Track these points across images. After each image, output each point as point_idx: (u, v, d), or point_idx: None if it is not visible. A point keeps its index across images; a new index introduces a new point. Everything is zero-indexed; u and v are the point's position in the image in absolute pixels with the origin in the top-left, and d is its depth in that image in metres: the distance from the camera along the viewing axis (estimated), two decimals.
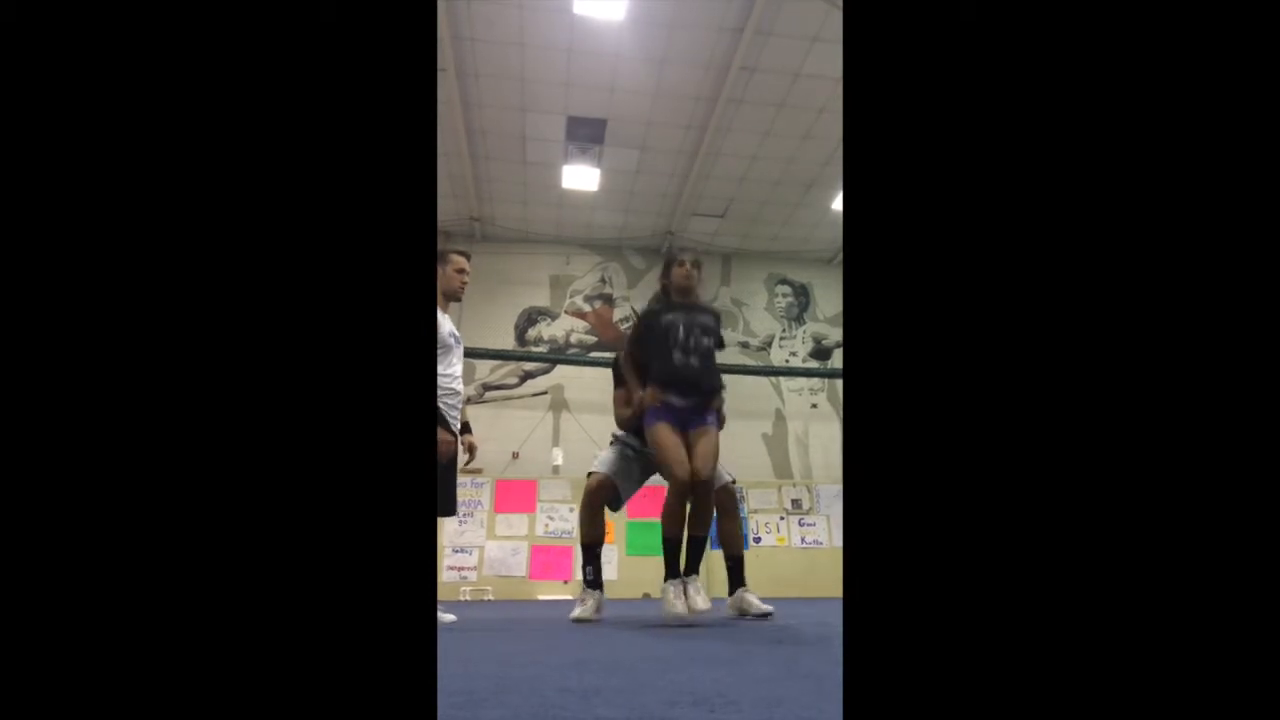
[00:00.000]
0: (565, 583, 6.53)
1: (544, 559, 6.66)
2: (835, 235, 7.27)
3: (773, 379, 7.53)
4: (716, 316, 2.31)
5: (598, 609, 2.38)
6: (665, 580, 2.26)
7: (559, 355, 7.14)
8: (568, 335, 7.35)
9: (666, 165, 6.21)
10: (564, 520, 6.83)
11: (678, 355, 2.12)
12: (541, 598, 6.41)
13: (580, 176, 6.33)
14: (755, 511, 7.06)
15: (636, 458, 2.46)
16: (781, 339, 7.73)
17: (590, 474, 2.46)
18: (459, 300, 2.45)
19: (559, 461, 6.96)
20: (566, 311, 7.41)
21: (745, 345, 7.60)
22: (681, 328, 2.15)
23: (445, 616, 2.40)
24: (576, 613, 2.34)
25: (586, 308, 7.42)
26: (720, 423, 2.22)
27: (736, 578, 2.48)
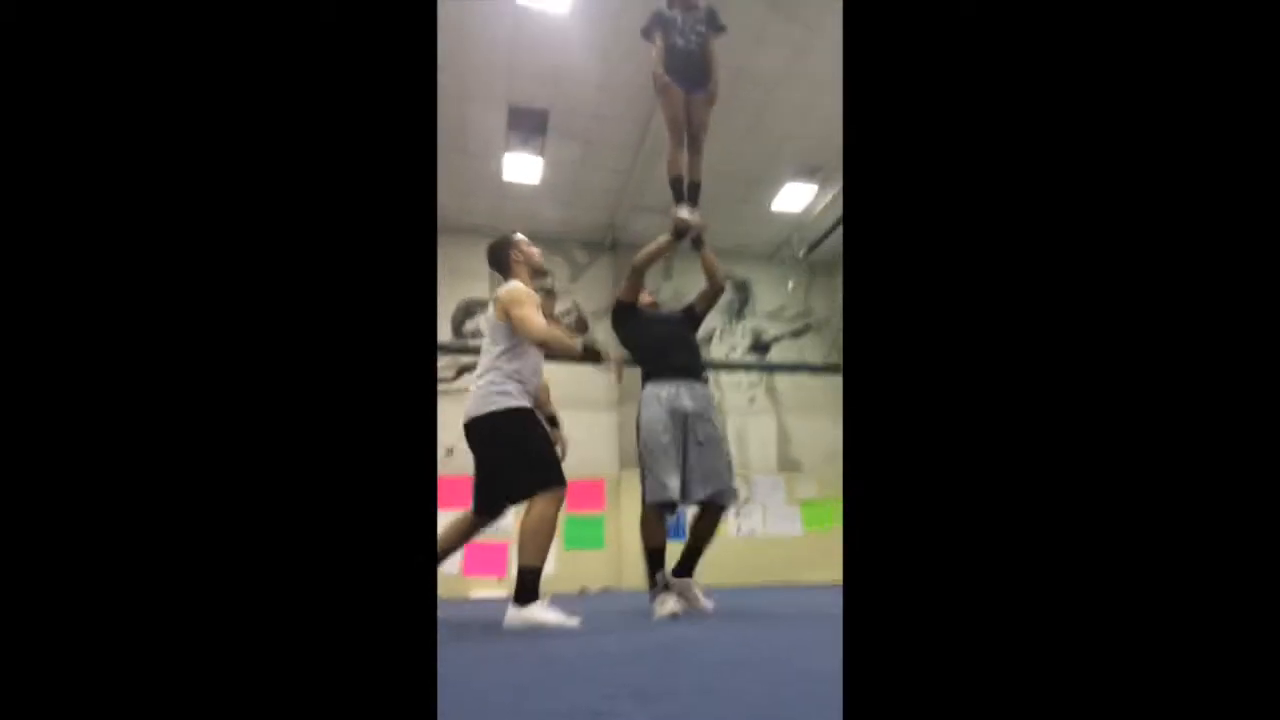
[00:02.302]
0: (499, 579, 6.46)
1: (479, 556, 6.56)
2: (775, 233, 7.44)
3: (713, 373, 7.65)
4: (710, 12, 2.85)
5: (679, 602, 2.32)
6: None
7: None
8: None
9: (611, 159, 6.19)
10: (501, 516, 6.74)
11: (679, 41, 2.75)
12: (475, 595, 6.32)
13: (522, 168, 6.24)
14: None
15: (671, 439, 2.41)
16: (721, 334, 7.86)
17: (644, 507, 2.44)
18: (546, 274, 2.49)
19: None
20: None
21: None
22: (680, 19, 2.79)
23: (569, 620, 1.96)
24: (670, 607, 2.25)
25: None
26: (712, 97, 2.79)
27: (688, 566, 2.48)
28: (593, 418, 7.09)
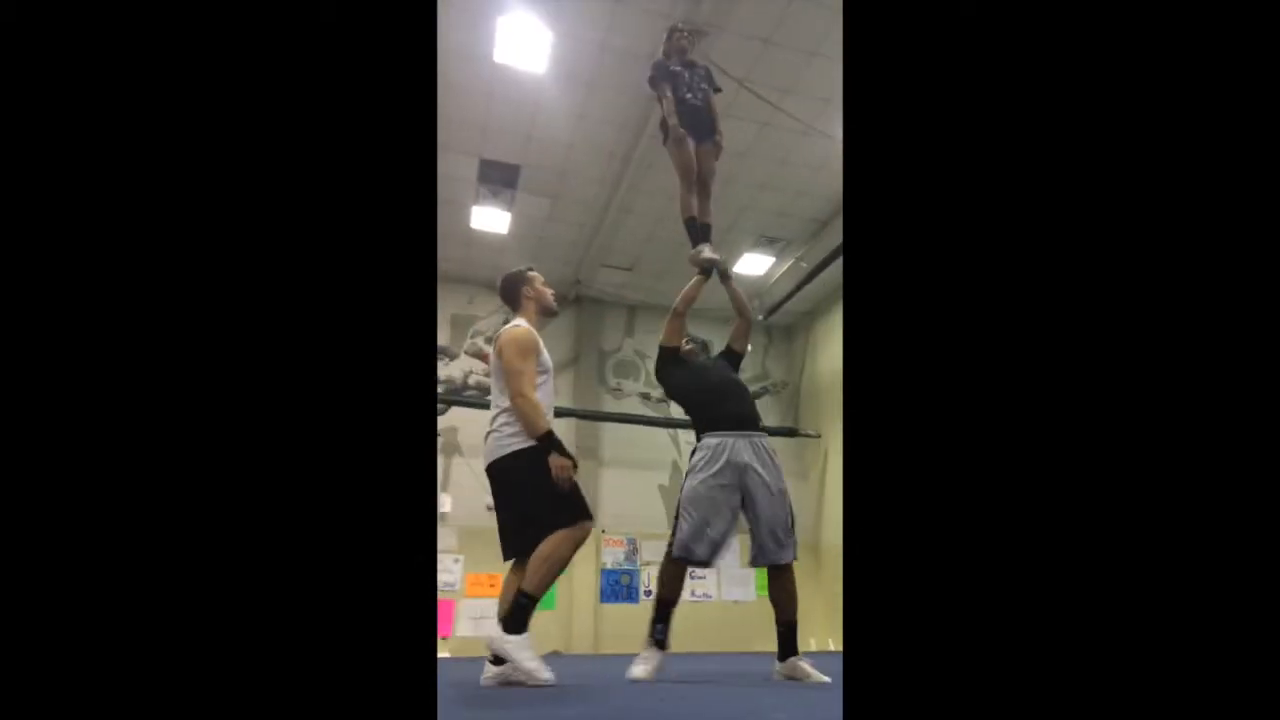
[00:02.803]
0: (444, 639, 6.13)
1: None
2: None
3: (671, 431, 7.64)
4: (707, 71, 3.09)
5: (658, 669, 2.19)
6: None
7: (455, 397, 6.90)
8: (466, 376, 7.13)
9: (578, 216, 6.31)
10: (447, 572, 6.46)
11: (687, 95, 2.92)
12: None
13: (490, 219, 6.30)
14: (648, 564, 7.01)
15: (718, 494, 2.29)
16: None
17: (669, 553, 2.32)
18: (556, 315, 2.45)
19: (446, 509, 6.62)
20: (466, 352, 7.21)
21: (646, 397, 7.69)
22: (686, 74, 2.97)
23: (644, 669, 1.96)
24: (637, 672, 2.13)
25: (488, 349, 7.26)
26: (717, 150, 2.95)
27: (787, 644, 2.33)
28: None
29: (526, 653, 1.87)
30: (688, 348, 2.73)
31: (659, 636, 2.24)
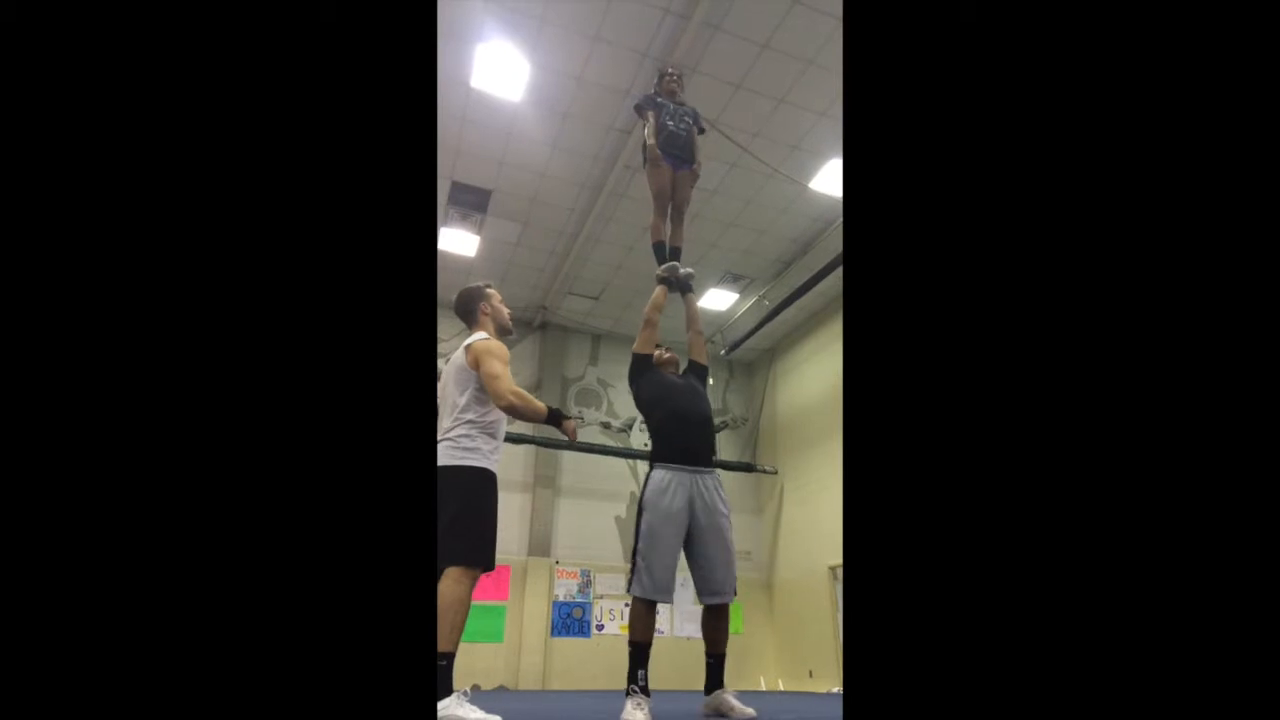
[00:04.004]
0: None
1: None
2: None
3: (630, 462, 7.61)
4: (695, 111, 3.23)
5: (651, 714, 2.10)
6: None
7: None
8: None
9: (547, 243, 6.34)
10: None
11: (670, 123, 3.05)
12: None
13: (458, 241, 6.27)
14: (601, 597, 6.89)
15: (669, 530, 2.29)
16: (642, 423, 7.89)
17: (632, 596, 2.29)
18: (511, 333, 2.36)
19: None
20: None
21: (606, 426, 7.67)
22: (670, 105, 3.12)
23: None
24: (639, 718, 2.03)
25: None
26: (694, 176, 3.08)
27: (715, 677, 2.35)
28: (503, 498, 6.81)
29: (466, 710, 1.73)
30: (666, 356, 2.76)
31: (642, 683, 2.19)
